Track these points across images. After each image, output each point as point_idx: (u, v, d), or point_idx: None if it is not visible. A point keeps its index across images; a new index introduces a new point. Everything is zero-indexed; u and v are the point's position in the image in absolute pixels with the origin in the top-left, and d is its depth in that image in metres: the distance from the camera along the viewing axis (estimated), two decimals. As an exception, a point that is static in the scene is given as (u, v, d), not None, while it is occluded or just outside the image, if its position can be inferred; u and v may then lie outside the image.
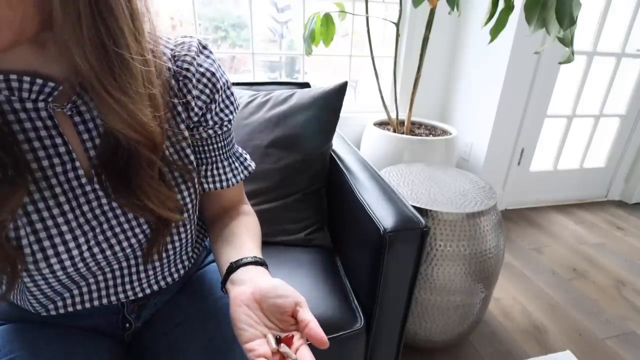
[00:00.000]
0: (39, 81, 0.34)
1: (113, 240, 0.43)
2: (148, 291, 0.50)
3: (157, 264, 0.49)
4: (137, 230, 0.44)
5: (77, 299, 0.46)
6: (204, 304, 0.54)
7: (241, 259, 0.45)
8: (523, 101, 1.75)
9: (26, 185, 0.36)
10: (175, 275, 0.53)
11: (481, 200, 0.97)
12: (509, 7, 1.10)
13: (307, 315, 0.38)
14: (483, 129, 1.80)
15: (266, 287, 0.40)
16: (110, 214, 0.42)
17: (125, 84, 0.33)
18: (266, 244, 0.87)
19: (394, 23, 1.48)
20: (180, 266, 0.53)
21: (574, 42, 0.98)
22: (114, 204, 0.42)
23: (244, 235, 0.51)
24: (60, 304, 0.45)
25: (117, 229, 0.43)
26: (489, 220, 0.94)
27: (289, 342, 0.37)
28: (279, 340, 0.37)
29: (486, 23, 1.13)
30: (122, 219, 0.43)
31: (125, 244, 0.44)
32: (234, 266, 0.44)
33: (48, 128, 0.37)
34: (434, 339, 1.03)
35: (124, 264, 0.47)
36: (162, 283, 0.52)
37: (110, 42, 0.31)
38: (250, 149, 0.92)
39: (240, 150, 0.57)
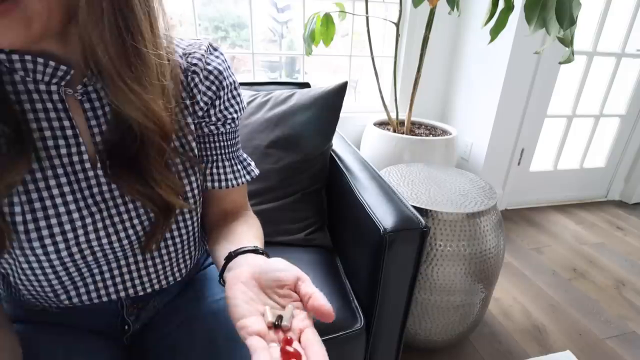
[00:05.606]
0: (52, 63, 0.35)
1: (111, 229, 0.43)
2: (149, 290, 0.50)
3: (158, 260, 0.49)
4: (136, 221, 0.44)
5: (76, 292, 0.45)
6: (205, 305, 0.54)
7: (240, 248, 0.43)
8: (523, 101, 1.75)
9: (27, 161, 0.36)
10: (177, 275, 0.53)
11: (481, 200, 0.97)
12: (509, 7, 1.10)
13: (310, 289, 0.35)
14: (483, 129, 1.80)
15: (265, 264, 0.38)
16: (110, 202, 0.42)
17: (140, 75, 0.36)
18: (266, 244, 0.85)
19: (394, 23, 1.48)
20: (182, 265, 0.53)
21: (574, 42, 0.98)
22: (116, 193, 0.42)
23: (245, 232, 0.50)
24: (63, 297, 0.45)
25: (116, 219, 0.43)
26: (489, 220, 0.94)
27: None
28: (280, 318, 0.33)
29: (486, 23, 1.13)
30: (122, 208, 0.43)
31: (122, 234, 0.44)
32: (233, 254, 0.42)
33: (58, 111, 0.38)
34: (434, 339, 1.03)
35: (122, 259, 0.46)
36: (164, 282, 0.52)
37: (129, 36, 0.34)
38: (250, 149, 0.92)
39: (245, 155, 0.57)
